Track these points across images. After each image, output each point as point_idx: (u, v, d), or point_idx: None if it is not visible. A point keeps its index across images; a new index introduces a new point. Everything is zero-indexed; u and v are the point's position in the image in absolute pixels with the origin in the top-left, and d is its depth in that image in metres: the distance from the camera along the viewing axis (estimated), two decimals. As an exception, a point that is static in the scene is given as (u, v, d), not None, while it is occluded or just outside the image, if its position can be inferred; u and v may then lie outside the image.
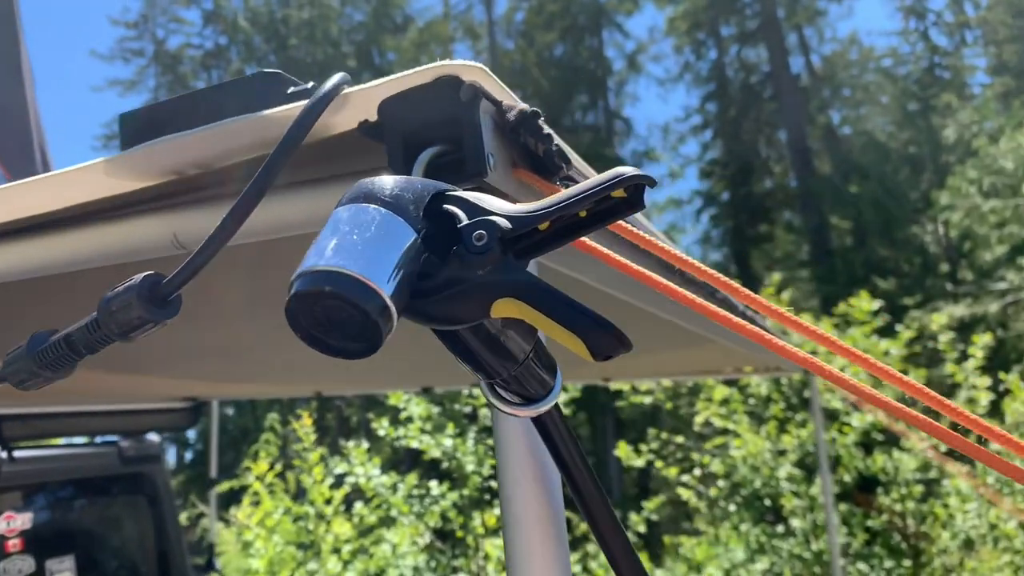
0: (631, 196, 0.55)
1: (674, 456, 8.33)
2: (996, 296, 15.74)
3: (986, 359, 6.82)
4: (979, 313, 15.47)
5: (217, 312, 1.61)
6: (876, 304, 7.27)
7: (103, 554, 3.64)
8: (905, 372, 6.70)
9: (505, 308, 0.53)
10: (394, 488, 7.14)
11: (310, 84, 0.73)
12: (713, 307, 0.72)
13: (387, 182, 0.55)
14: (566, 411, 7.25)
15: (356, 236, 0.51)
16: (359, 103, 0.69)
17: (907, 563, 6.53)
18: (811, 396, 5.50)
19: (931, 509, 6.61)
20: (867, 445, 7.05)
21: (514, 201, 0.57)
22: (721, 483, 7.63)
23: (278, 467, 7.45)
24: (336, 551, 6.83)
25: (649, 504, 7.93)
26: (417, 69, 0.67)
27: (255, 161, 0.68)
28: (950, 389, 7.30)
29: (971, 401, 6.65)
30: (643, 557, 8.31)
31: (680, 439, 8.28)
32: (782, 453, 7.24)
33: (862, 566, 6.61)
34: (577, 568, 7.32)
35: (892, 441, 6.98)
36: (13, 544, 3.08)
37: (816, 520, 6.81)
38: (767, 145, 25.39)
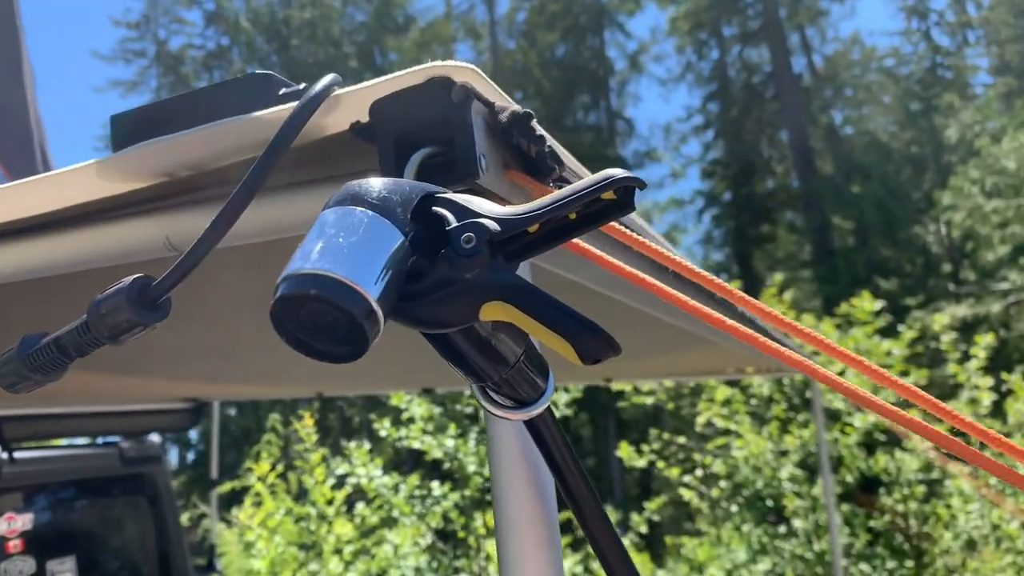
0: (621, 198, 0.55)
1: (676, 457, 8.32)
2: (998, 296, 15.72)
3: (988, 359, 6.81)
4: (981, 313, 15.45)
5: (218, 313, 1.61)
6: (878, 304, 7.26)
7: (104, 555, 3.64)
8: (907, 373, 6.71)
9: (494, 311, 0.52)
10: (396, 489, 7.14)
11: (302, 85, 0.73)
12: (707, 309, 0.71)
13: (374, 184, 0.54)
14: (568, 412, 7.30)
15: (342, 239, 0.50)
16: (351, 104, 0.69)
17: (909, 564, 6.52)
18: (813, 396, 5.49)
19: (933, 510, 6.60)
20: (869, 445, 7.04)
21: (507, 203, 0.56)
22: (723, 484, 7.63)
23: (280, 468, 7.45)
24: (338, 552, 6.83)
25: (651, 505, 7.92)
26: (409, 70, 0.66)
27: (248, 162, 0.68)
28: (952, 389, 7.29)
29: (974, 401, 6.65)
30: (645, 558, 8.33)
31: (682, 440, 8.28)
32: (784, 453, 7.23)
33: (864, 567, 6.60)
34: (579, 569, 7.31)
35: (894, 441, 6.97)
36: (14, 545, 3.08)
37: (818, 520, 6.80)
38: (769, 145, 25.37)
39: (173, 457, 22.19)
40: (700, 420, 7.81)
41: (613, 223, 0.78)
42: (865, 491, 7.11)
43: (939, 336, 7.27)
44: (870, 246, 21.50)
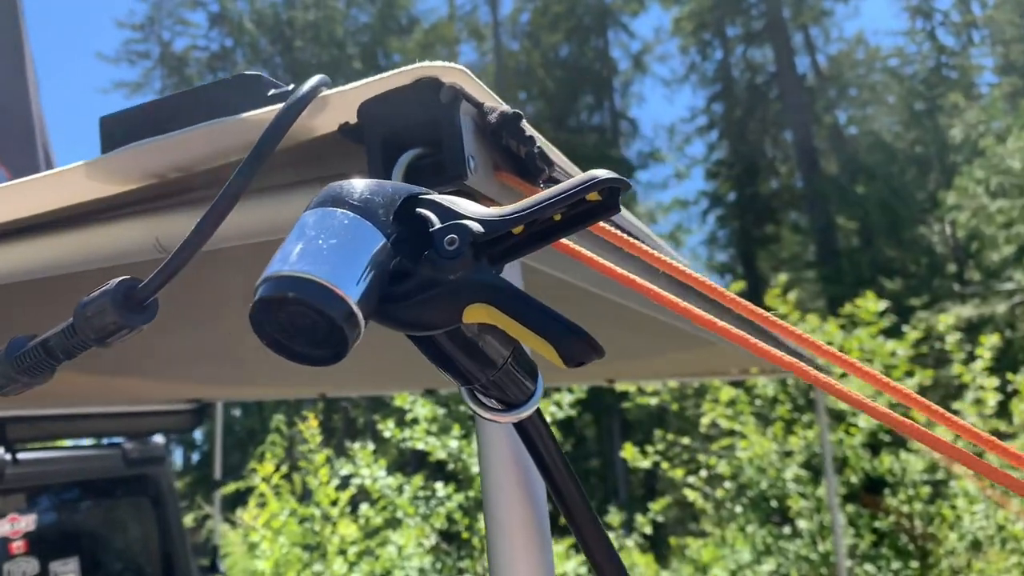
0: (606, 199, 0.55)
1: (680, 457, 8.32)
2: (1003, 296, 15.68)
3: (994, 360, 6.79)
4: (986, 313, 15.42)
5: (221, 314, 1.61)
6: (883, 305, 7.24)
7: (107, 556, 3.64)
8: (912, 373, 6.69)
9: (477, 313, 0.52)
10: (400, 490, 7.14)
11: (291, 86, 0.73)
12: (697, 311, 0.71)
13: (357, 186, 0.54)
14: (572, 412, 7.29)
15: (322, 241, 0.50)
16: (340, 105, 0.69)
17: (914, 564, 6.50)
18: (817, 397, 5.48)
19: (938, 510, 6.58)
20: (874, 446, 7.03)
21: (496, 204, 0.56)
22: (727, 484, 7.62)
23: (284, 468, 7.45)
24: (342, 552, 6.84)
25: (655, 505, 7.93)
26: (397, 71, 0.66)
27: (238, 164, 0.68)
28: (957, 390, 7.28)
29: (979, 402, 6.63)
30: (649, 559, 8.32)
31: (686, 440, 8.27)
32: (788, 454, 7.22)
33: (869, 567, 6.58)
34: (583, 570, 7.30)
35: (899, 442, 6.95)
36: (17, 546, 3.08)
37: (823, 521, 6.79)
38: (773, 145, 25.35)
39: (178, 458, 22.25)
40: (704, 421, 7.80)
41: (605, 225, 0.78)
42: (870, 492, 7.10)
43: (944, 336, 7.25)
44: (874, 246, 21.47)
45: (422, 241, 0.53)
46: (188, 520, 12.24)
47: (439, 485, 7.20)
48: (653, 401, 8.55)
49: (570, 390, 7.35)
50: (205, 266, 0.89)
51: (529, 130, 0.70)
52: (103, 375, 2.59)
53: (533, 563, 0.68)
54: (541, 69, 25.93)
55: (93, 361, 2.21)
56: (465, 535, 7.04)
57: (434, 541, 7.16)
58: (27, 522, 3.15)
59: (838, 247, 22.45)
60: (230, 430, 20.61)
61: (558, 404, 7.44)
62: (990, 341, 6.76)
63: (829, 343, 7.07)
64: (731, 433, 7.66)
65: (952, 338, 7.13)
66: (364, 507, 7.25)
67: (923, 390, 6.79)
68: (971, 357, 6.92)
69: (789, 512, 7.13)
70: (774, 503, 7.24)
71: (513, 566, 0.68)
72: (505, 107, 0.69)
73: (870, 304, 7.18)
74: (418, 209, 0.54)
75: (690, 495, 7.85)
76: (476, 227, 0.52)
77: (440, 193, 0.57)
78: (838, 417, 6.95)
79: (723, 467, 7.60)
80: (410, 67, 0.65)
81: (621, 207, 0.56)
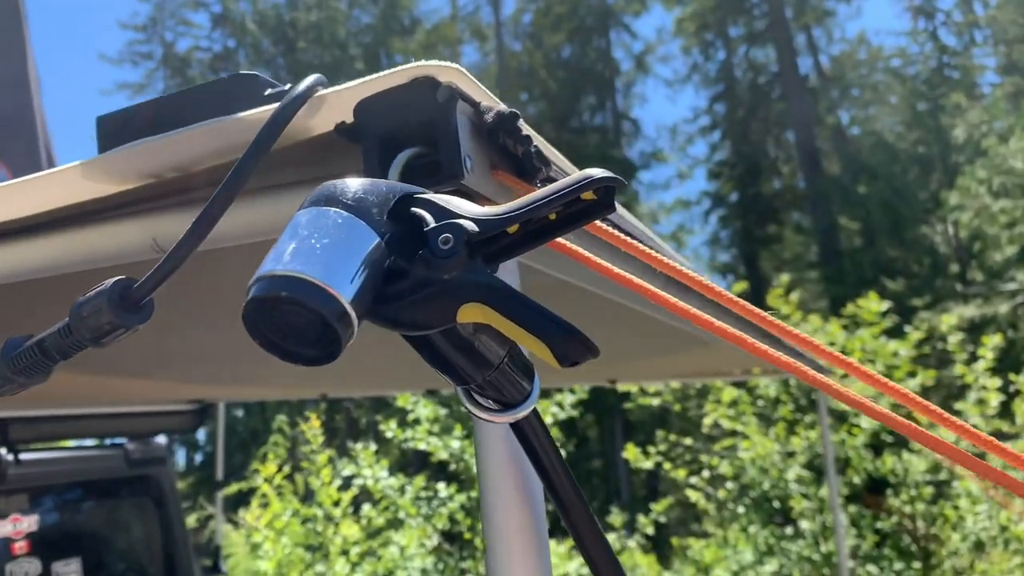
0: (602, 198, 0.54)
1: (683, 458, 8.31)
2: (1006, 297, 15.65)
3: (996, 360, 6.78)
4: (989, 314, 15.40)
5: (222, 314, 1.61)
6: (885, 305, 7.22)
7: (109, 556, 3.64)
8: (914, 374, 6.68)
9: (471, 313, 0.52)
10: (402, 490, 7.14)
11: (287, 86, 0.72)
12: (695, 310, 0.71)
13: (351, 185, 0.54)
14: (574, 413, 7.29)
15: (315, 240, 0.50)
16: (336, 104, 0.68)
17: (917, 565, 6.49)
18: (819, 397, 5.47)
19: (941, 511, 6.57)
20: (877, 446, 7.02)
21: (492, 204, 0.56)
22: (730, 485, 7.62)
23: (286, 469, 7.46)
24: (344, 553, 6.84)
25: (657, 506, 7.92)
26: (393, 70, 0.66)
27: (234, 163, 0.68)
28: (960, 390, 7.27)
29: (981, 402, 6.62)
30: (651, 559, 8.32)
31: (689, 441, 8.26)
32: (791, 455, 7.22)
33: (872, 568, 6.57)
34: (584, 570, 7.29)
35: (901, 443, 6.94)
36: (19, 546, 3.08)
37: (825, 522, 6.78)
38: (775, 146, 25.33)
39: (181, 459, 22.27)
40: (707, 421, 7.79)
41: (604, 225, 0.78)
42: (872, 492, 7.09)
43: (946, 337, 7.24)
44: (877, 247, 21.45)
45: (416, 240, 0.52)
46: (191, 520, 12.25)
47: (441, 486, 7.20)
48: (655, 402, 8.55)
49: (572, 391, 7.35)
50: (207, 266, 0.89)
51: (526, 129, 0.69)
52: (105, 376, 2.59)
53: (531, 565, 0.68)
54: (543, 70, 25.93)
55: (96, 362, 2.21)
56: (467, 536, 7.04)
57: (436, 542, 7.16)
58: (29, 523, 3.15)
59: (840, 247, 22.44)
60: (233, 431, 20.61)
61: (560, 405, 7.44)
62: (992, 341, 6.75)
63: (831, 343, 7.08)
64: (733, 434, 7.66)
65: (954, 338, 7.12)
66: (366, 508, 7.26)
67: (925, 390, 6.79)
68: (973, 357, 6.91)
69: (791, 513, 7.12)
70: (776, 504, 7.23)
71: (511, 568, 0.68)
72: (502, 106, 0.69)
73: (872, 304, 7.17)
74: (413, 208, 0.54)
75: (692, 496, 7.84)
76: (471, 226, 0.52)
77: (436, 193, 0.56)
78: (840, 417, 6.94)
79: (725, 468, 7.59)
80: (406, 66, 0.65)
81: (617, 206, 0.55)
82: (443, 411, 7.24)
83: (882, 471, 6.81)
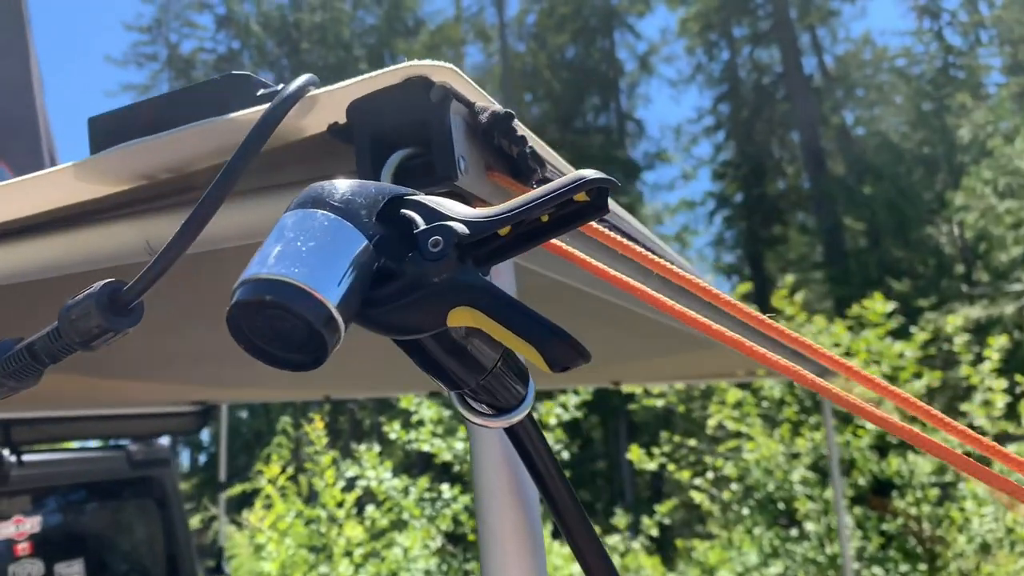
0: (595, 199, 0.54)
1: (687, 459, 8.31)
2: (1012, 298, 15.60)
3: (1002, 361, 6.75)
4: (995, 315, 15.34)
5: (224, 315, 1.60)
6: (890, 306, 7.21)
7: (112, 558, 3.65)
8: (920, 375, 6.66)
9: (461, 317, 0.51)
10: (406, 491, 7.15)
11: (279, 86, 0.72)
12: (692, 313, 0.70)
13: (338, 186, 0.53)
14: (578, 414, 7.28)
15: (300, 243, 0.49)
16: (329, 105, 0.68)
17: (923, 567, 6.47)
18: (823, 398, 5.45)
19: (947, 513, 6.55)
20: (882, 448, 7.00)
21: (487, 205, 0.55)
22: (734, 486, 7.61)
23: (290, 470, 7.47)
24: (348, 554, 6.84)
25: (662, 507, 7.91)
26: (386, 69, 0.65)
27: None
28: (966, 392, 7.24)
29: (987, 404, 6.59)
30: (656, 561, 8.31)
31: (693, 442, 8.26)
32: (795, 456, 7.20)
33: (877, 570, 6.56)
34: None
35: (907, 444, 6.91)
36: (22, 548, 3.08)
37: (830, 524, 6.76)
38: (780, 146, 25.29)
39: (185, 460, 22.31)
40: (711, 423, 7.78)
41: (601, 227, 0.77)
42: (877, 494, 7.07)
43: (952, 338, 7.22)
44: (882, 247, 21.39)
45: (406, 243, 0.52)
46: (195, 522, 12.26)
47: (445, 487, 7.21)
48: (659, 403, 8.54)
49: (576, 392, 7.35)
50: (209, 267, 0.88)
51: (521, 129, 0.69)
52: (108, 377, 2.59)
53: (526, 568, 0.67)
54: (547, 70, 25.92)
55: (99, 364, 2.21)
56: (471, 537, 7.05)
57: (440, 543, 7.17)
58: (32, 524, 3.15)
59: (845, 248, 22.38)
60: (237, 432, 20.64)
61: (564, 406, 7.44)
62: (998, 342, 6.73)
63: (836, 344, 7.05)
64: (738, 435, 7.65)
65: (960, 339, 7.09)
66: (370, 509, 7.26)
67: (931, 392, 6.77)
68: (979, 358, 6.88)
69: (796, 514, 7.11)
70: (781, 505, 7.22)
71: (505, 571, 0.67)
72: (497, 106, 0.68)
73: (878, 305, 7.15)
74: (402, 210, 0.53)
75: (697, 497, 7.83)
76: (461, 228, 0.51)
77: (430, 194, 0.56)
78: (845, 419, 6.92)
79: (730, 469, 7.58)
80: (399, 66, 0.64)
81: (613, 207, 0.54)
82: (447, 413, 7.25)
83: (887, 473, 6.80)
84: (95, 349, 0.62)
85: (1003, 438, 6.70)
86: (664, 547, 9.70)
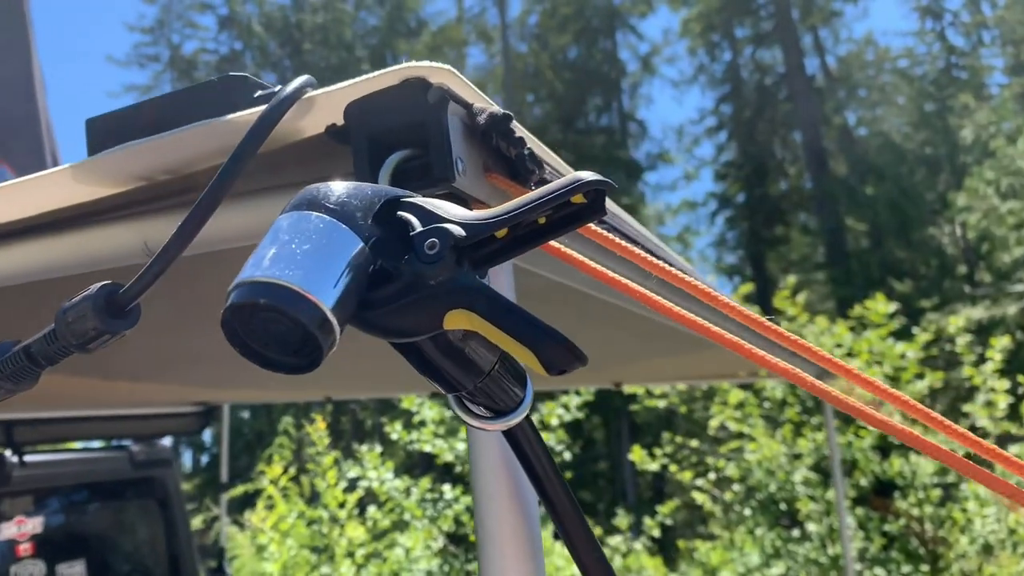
0: (592, 201, 0.53)
1: (689, 460, 8.30)
2: (1014, 298, 15.58)
3: (1005, 362, 6.74)
4: (997, 315, 15.33)
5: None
6: (892, 306, 7.19)
7: (114, 558, 3.65)
8: (922, 375, 6.65)
9: (457, 320, 0.51)
10: (407, 492, 7.15)
11: (277, 88, 0.72)
12: (690, 315, 0.69)
13: (334, 188, 0.53)
14: (580, 415, 7.27)
15: (295, 245, 0.49)
16: (327, 106, 0.67)
17: (925, 568, 6.46)
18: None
19: (949, 514, 6.54)
20: (884, 448, 6.99)
21: (485, 207, 0.55)
22: (736, 487, 7.60)
23: (292, 471, 7.47)
24: (350, 555, 6.84)
25: (663, 508, 7.91)
26: (384, 71, 0.65)
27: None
28: (968, 392, 7.23)
29: (990, 404, 6.58)
30: (658, 562, 8.31)
31: (695, 443, 8.26)
32: (798, 457, 7.20)
33: (879, 571, 6.55)
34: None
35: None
36: (24, 548, 3.08)
37: (832, 524, 6.75)
38: (782, 147, 25.28)
39: (187, 460, 22.34)
40: (713, 423, 7.78)
41: (599, 228, 0.77)
42: (880, 495, 7.06)
43: (954, 338, 7.20)
44: (884, 248, 21.39)
45: (402, 245, 0.51)
46: (197, 522, 12.28)
47: (447, 487, 7.21)
48: (661, 404, 8.54)
49: (578, 392, 7.34)
50: (211, 268, 0.88)
51: (519, 131, 0.68)
52: (111, 378, 2.60)
53: (524, 571, 0.67)
54: (549, 71, 25.93)
55: (101, 364, 2.21)
56: (472, 538, 7.04)
57: (442, 543, 7.16)
58: (34, 524, 3.15)
59: (847, 248, 22.36)
60: (239, 432, 20.67)
61: (566, 407, 7.44)
62: (1001, 343, 6.71)
63: (838, 345, 7.04)
64: (740, 436, 7.64)
65: (962, 340, 7.08)
66: (372, 509, 7.27)
67: (933, 392, 6.76)
68: (982, 359, 6.87)
69: (798, 515, 7.10)
70: (783, 506, 7.21)
71: (504, 574, 0.67)
72: (495, 108, 0.68)
73: (880, 306, 7.13)
74: (399, 212, 0.53)
75: (699, 498, 7.83)
76: (457, 230, 0.51)
77: (428, 196, 0.55)
78: (847, 419, 6.91)
79: (732, 470, 7.58)
80: (396, 67, 0.64)
81: (611, 208, 0.54)
82: (448, 413, 7.24)
83: (889, 473, 6.78)
84: (91, 351, 0.61)
85: (1006, 439, 6.70)
86: (666, 548, 9.70)
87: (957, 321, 7.44)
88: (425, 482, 7.20)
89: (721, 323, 0.74)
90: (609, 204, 0.85)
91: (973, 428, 6.60)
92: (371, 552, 6.99)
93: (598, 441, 21.15)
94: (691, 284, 0.73)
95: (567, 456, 7.69)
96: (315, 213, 0.51)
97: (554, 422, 7.38)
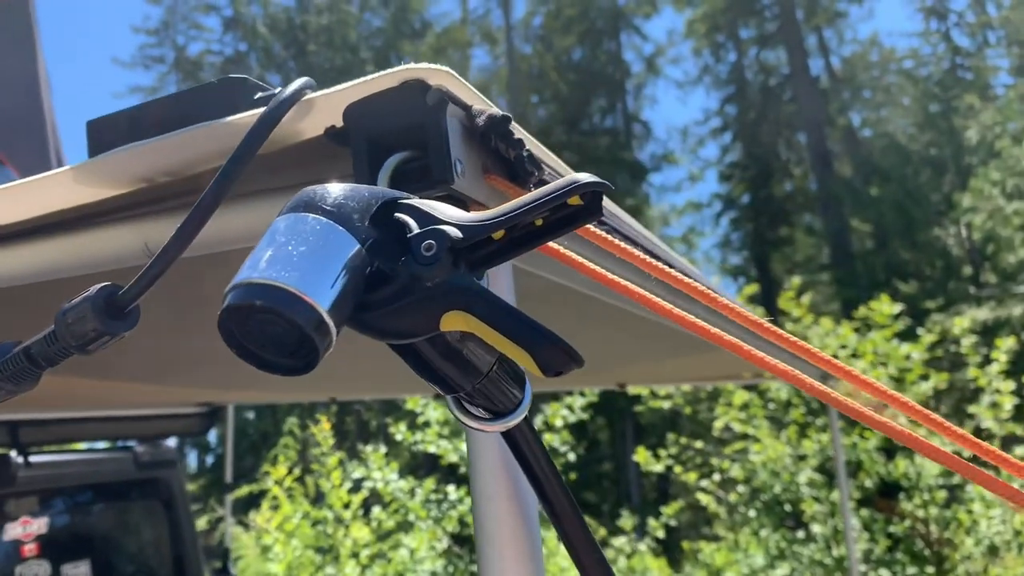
0: (589, 203, 0.53)
1: (693, 461, 8.30)
2: (1020, 299, 15.55)
3: (1010, 363, 6.73)
4: (1003, 316, 15.29)
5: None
6: (897, 307, 7.18)
7: (119, 559, 3.65)
8: (927, 377, 6.63)
9: (454, 321, 0.51)
10: (412, 493, 7.15)
11: (277, 89, 0.72)
12: (690, 317, 0.69)
13: (331, 190, 0.53)
14: (584, 416, 7.27)
15: (292, 247, 0.49)
16: (326, 108, 0.67)
17: (930, 570, 6.45)
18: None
19: (955, 515, 6.52)
20: (889, 450, 6.98)
21: (486, 208, 0.55)
22: (741, 488, 7.60)
23: (297, 471, 7.48)
24: (354, 555, 6.85)
25: (668, 509, 7.91)
26: (383, 72, 0.65)
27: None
28: (973, 394, 7.21)
29: (995, 406, 6.57)
30: (662, 563, 8.30)
31: (699, 444, 8.25)
32: (802, 458, 7.19)
33: (884, 572, 6.53)
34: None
35: (914, 446, 6.88)
36: (29, 549, 3.09)
37: (837, 526, 6.74)
38: (787, 147, 25.25)
39: (192, 461, 22.37)
40: (718, 424, 7.78)
41: (598, 229, 0.77)
42: (884, 496, 7.05)
43: (959, 340, 7.19)
44: (889, 249, 21.35)
45: (399, 247, 0.52)
46: (202, 523, 12.29)
47: (451, 488, 7.21)
48: (666, 405, 8.53)
49: (582, 393, 7.34)
50: (213, 269, 0.88)
51: (519, 132, 0.68)
52: (115, 379, 2.60)
53: (523, 573, 0.67)
54: (554, 72, 25.93)
55: (105, 366, 2.22)
56: (476, 539, 7.04)
57: (446, 544, 7.16)
58: (39, 525, 3.16)
59: (852, 249, 22.34)
60: (244, 433, 20.69)
61: (570, 407, 7.44)
62: (1006, 344, 6.70)
63: (843, 346, 7.02)
64: (744, 437, 7.64)
65: (967, 341, 7.07)
66: (376, 510, 7.27)
67: (938, 394, 6.74)
68: (987, 360, 6.85)
69: (803, 516, 7.09)
70: (788, 507, 7.20)
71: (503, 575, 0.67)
72: (494, 109, 0.68)
73: (885, 307, 7.12)
74: (396, 214, 0.53)
75: (703, 499, 7.83)
76: (454, 232, 0.51)
77: (427, 197, 0.56)
78: (852, 421, 6.89)
79: (736, 471, 7.57)
80: (396, 69, 0.64)
81: (609, 209, 0.54)
82: (452, 414, 7.25)
83: (894, 475, 6.77)
84: (91, 353, 0.62)
85: (1011, 440, 6.68)
86: (670, 549, 9.70)
87: (962, 322, 7.43)
88: (429, 483, 7.20)
89: (722, 324, 0.73)
90: (609, 205, 0.85)
91: (978, 429, 6.59)
92: (375, 553, 6.99)
93: (602, 442, 21.13)
94: (691, 285, 0.72)
95: (571, 457, 7.68)
96: (312, 215, 0.51)
97: (558, 423, 7.38)
